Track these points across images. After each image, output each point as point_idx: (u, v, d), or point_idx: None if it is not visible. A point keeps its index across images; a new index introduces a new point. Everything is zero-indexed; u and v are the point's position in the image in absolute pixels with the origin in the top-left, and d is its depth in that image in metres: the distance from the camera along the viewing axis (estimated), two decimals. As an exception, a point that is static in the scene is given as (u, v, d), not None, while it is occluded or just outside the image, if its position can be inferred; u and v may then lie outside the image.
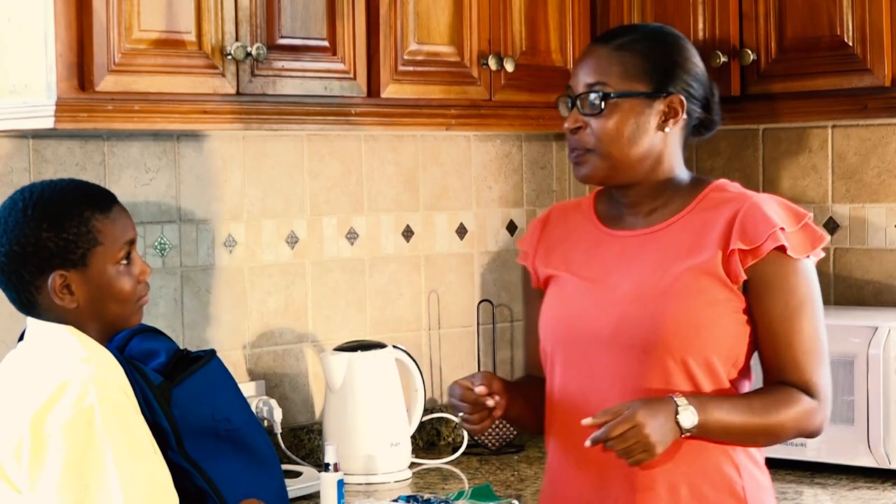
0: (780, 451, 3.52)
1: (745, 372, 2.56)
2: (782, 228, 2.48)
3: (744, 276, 2.49)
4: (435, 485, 3.51)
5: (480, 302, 4.07)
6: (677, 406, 2.43)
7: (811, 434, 2.54)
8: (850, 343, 3.43)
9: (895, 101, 3.42)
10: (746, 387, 2.57)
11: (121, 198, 2.55)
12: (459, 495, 3.32)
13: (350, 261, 3.82)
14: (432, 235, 3.99)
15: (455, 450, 3.82)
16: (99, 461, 2.25)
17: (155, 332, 2.71)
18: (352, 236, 3.82)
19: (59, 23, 2.87)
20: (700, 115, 2.61)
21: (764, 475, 2.59)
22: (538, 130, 3.95)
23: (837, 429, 3.44)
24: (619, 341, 2.52)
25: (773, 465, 3.55)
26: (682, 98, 2.55)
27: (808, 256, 2.52)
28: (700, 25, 3.66)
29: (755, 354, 2.57)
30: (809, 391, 2.50)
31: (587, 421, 2.40)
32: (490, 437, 3.91)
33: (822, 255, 2.57)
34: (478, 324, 4.06)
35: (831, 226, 3.90)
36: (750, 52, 3.58)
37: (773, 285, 2.50)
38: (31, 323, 2.44)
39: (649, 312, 2.50)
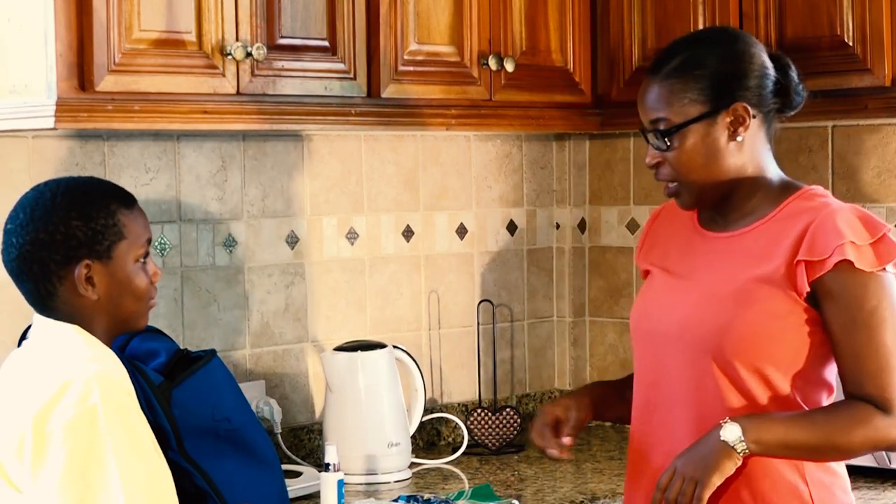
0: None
1: (818, 384, 2.55)
2: (852, 242, 2.46)
3: (807, 289, 2.48)
4: (435, 485, 3.51)
5: (480, 302, 4.07)
6: (721, 425, 2.44)
7: (889, 448, 2.53)
8: (850, 343, 3.42)
9: (895, 100, 3.42)
10: (823, 399, 2.56)
11: (121, 198, 2.57)
12: (459, 495, 3.32)
13: (350, 261, 3.82)
14: (432, 235, 3.99)
15: (455, 450, 3.82)
16: (101, 461, 2.25)
17: (155, 332, 2.71)
18: (352, 236, 3.82)
19: (60, 23, 2.87)
20: (774, 102, 2.58)
21: (833, 477, 2.56)
22: (538, 130, 3.95)
23: (837, 429, 3.44)
24: (683, 341, 2.55)
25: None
26: (745, 104, 2.53)
27: (882, 269, 2.48)
28: (700, 25, 3.66)
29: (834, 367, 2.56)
30: (882, 405, 2.47)
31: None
32: (490, 437, 3.90)
33: None
34: (478, 324, 4.06)
35: (831, 226, 3.89)
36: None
37: (839, 297, 2.47)
38: (38, 321, 2.44)
39: (709, 317, 2.52)
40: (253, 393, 3.55)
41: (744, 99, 2.54)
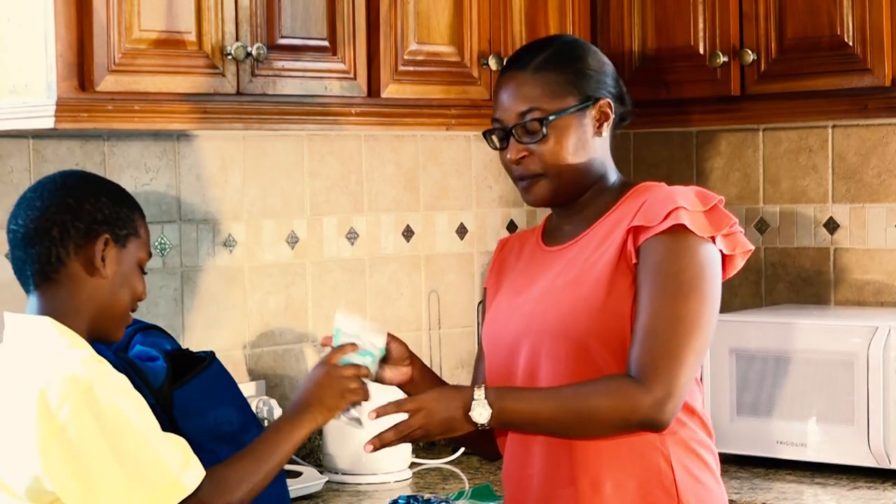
0: (779, 451, 3.53)
1: None
2: (684, 207, 2.46)
3: (635, 257, 2.47)
4: (435, 485, 3.51)
5: (480, 302, 4.07)
6: (472, 400, 2.42)
7: (647, 427, 2.42)
8: (850, 343, 3.43)
9: (895, 100, 3.42)
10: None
11: (121, 198, 2.58)
12: (459, 495, 3.32)
13: (350, 261, 3.82)
14: (432, 235, 3.99)
15: (455, 450, 3.82)
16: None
17: (156, 331, 2.70)
18: (352, 236, 3.82)
19: (60, 23, 2.87)
20: (621, 110, 2.64)
21: (705, 471, 2.54)
22: (538, 130, 3.95)
23: (837, 429, 3.44)
24: (531, 334, 2.55)
25: (773, 464, 3.57)
26: (609, 100, 2.59)
27: (711, 238, 2.48)
28: (700, 25, 3.66)
29: None
30: (639, 373, 2.39)
31: (375, 411, 2.46)
32: (490, 437, 3.90)
33: (751, 246, 2.52)
34: (478, 324, 4.06)
35: (831, 225, 3.90)
36: (750, 52, 3.58)
37: (652, 257, 2.46)
38: (10, 320, 2.43)
39: (554, 304, 2.53)
40: (253, 393, 3.55)
41: (608, 96, 2.60)
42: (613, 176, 2.64)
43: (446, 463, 3.75)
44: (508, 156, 2.59)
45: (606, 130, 2.60)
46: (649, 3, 3.76)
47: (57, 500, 2.29)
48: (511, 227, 4.17)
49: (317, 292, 3.75)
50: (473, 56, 3.56)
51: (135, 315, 2.58)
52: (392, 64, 3.40)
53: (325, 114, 3.30)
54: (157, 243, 3.45)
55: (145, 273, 2.51)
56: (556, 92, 2.57)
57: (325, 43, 3.29)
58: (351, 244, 3.82)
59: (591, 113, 2.58)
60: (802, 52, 3.53)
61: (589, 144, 2.58)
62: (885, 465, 3.40)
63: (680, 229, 2.45)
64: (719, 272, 2.49)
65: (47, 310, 2.40)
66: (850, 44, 3.45)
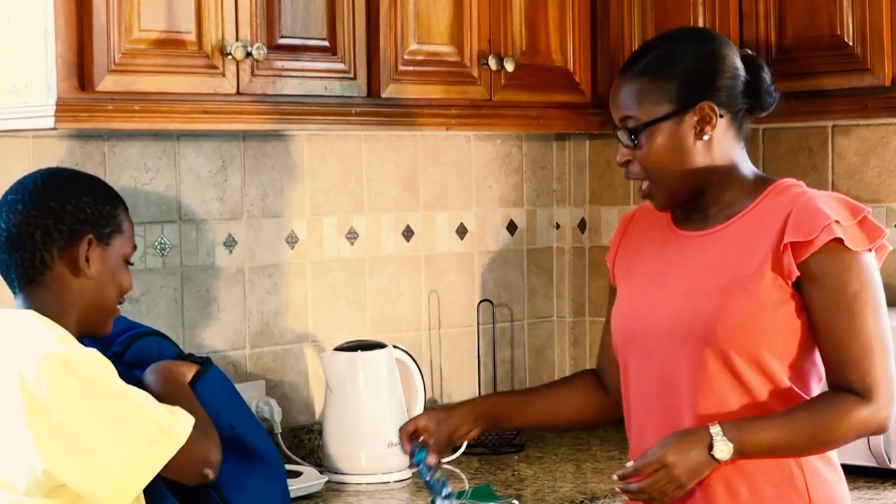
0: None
1: (811, 370, 2.56)
2: (837, 221, 2.47)
3: (797, 272, 2.48)
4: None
5: (481, 302, 4.07)
6: (712, 439, 2.44)
7: (874, 434, 2.53)
8: (850, 343, 3.42)
9: (895, 100, 3.42)
10: (815, 385, 2.57)
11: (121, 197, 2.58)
12: (460, 495, 3.31)
13: (350, 261, 3.82)
14: (432, 235, 3.99)
15: (455, 450, 3.81)
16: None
17: (156, 337, 2.70)
18: (352, 236, 3.82)
19: (60, 22, 2.87)
20: (744, 103, 2.59)
21: (832, 471, 2.58)
22: (538, 130, 3.95)
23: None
24: (675, 335, 2.55)
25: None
26: (712, 103, 2.55)
27: (868, 250, 2.50)
28: (700, 25, 3.66)
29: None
30: (863, 391, 2.47)
31: (616, 476, 2.48)
32: (490, 437, 3.90)
33: (890, 247, 2.56)
34: (478, 324, 4.06)
35: (831, 226, 3.89)
36: (750, 51, 3.58)
37: (823, 280, 2.48)
38: None
39: (701, 308, 2.53)
40: (253, 393, 3.55)
41: (711, 98, 2.55)
42: (744, 170, 2.61)
43: (446, 463, 3.75)
44: (617, 158, 2.61)
45: (710, 133, 2.55)
46: (649, 3, 3.76)
47: (55, 490, 2.29)
48: (511, 226, 4.17)
49: (317, 292, 3.75)
50: (473, 56, 3.56)
51: (135, 316, 2.58)
52: (392, 64, 3.40)
53: (325, 114, 3.30)
54: (156, 243, 3.45)
55: (131, 264, 2.52)
56: (649, 100, 2.55)
57: (325, 43, 3.29)
58: (351, 244, 3.82)
59: (691, 119, 2.55)
60: (802, 52, 3.53)
61: (690, 150, 2.55)
62: (884, 465, 3.40)
63: (843, 247, 2.47)
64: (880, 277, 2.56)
65: (35, 311, 2.41)
66: (850, 43, 3.45)
